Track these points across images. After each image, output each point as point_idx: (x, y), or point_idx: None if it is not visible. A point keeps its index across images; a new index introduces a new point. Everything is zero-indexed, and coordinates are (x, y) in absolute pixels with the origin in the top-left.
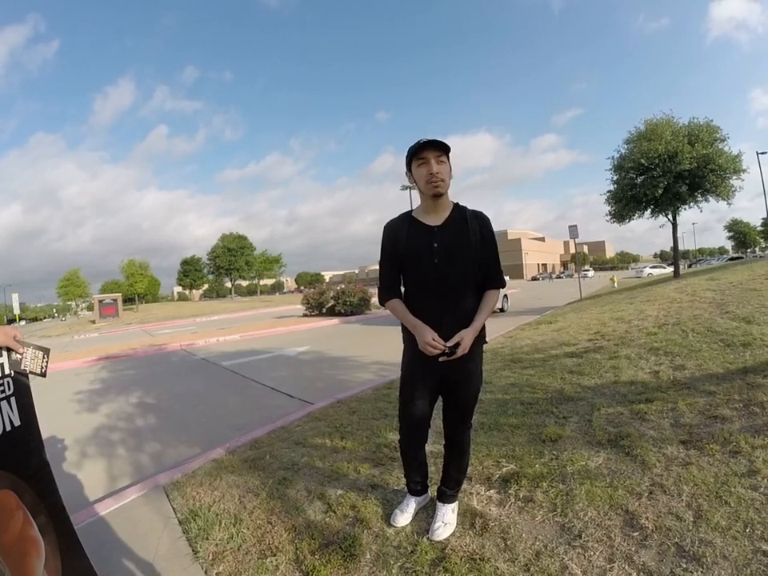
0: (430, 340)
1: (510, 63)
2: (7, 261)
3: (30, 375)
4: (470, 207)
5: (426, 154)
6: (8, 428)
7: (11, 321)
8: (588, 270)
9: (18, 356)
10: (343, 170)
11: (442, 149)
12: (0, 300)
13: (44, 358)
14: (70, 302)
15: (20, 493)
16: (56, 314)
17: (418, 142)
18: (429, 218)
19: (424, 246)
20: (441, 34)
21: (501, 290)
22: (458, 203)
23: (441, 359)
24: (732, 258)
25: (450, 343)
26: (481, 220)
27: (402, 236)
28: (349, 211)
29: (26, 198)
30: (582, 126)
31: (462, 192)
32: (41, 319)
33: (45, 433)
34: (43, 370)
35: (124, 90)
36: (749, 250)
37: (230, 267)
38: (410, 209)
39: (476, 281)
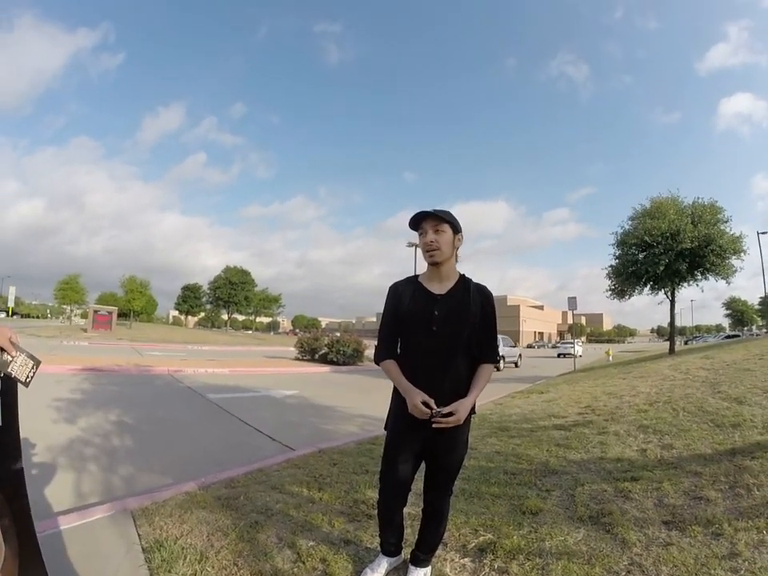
0: (419, 403)
1: (535, 143)
2: (14, 252)
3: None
4: (477, 271)
5: (424, 225)
6: None
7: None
8: (568, 343)
9: (9, 358)
10: (361, 222)
11: (439, 219)
12: None
13: (33, 368)
14: (65, 306)
15: None
16: (49, 315)
17: (416, 213)
18: (433, 286)
19: (425, 312)
20: (475, 110)
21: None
22: (464, 275)
23: (434, 424)
24: (728, 336)
25: (445, 410)
26: (483, 295)
27: (405, 299)
28: (358, 262)
29: (51, 196)
30: (593, 202)
31: (473, 255)
32: (11, 315)
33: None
34: (28, 380)
35: (175, 113)
36: (745, 328)
37: (228, 300)
38: (414, 265)
39: (471, 352)
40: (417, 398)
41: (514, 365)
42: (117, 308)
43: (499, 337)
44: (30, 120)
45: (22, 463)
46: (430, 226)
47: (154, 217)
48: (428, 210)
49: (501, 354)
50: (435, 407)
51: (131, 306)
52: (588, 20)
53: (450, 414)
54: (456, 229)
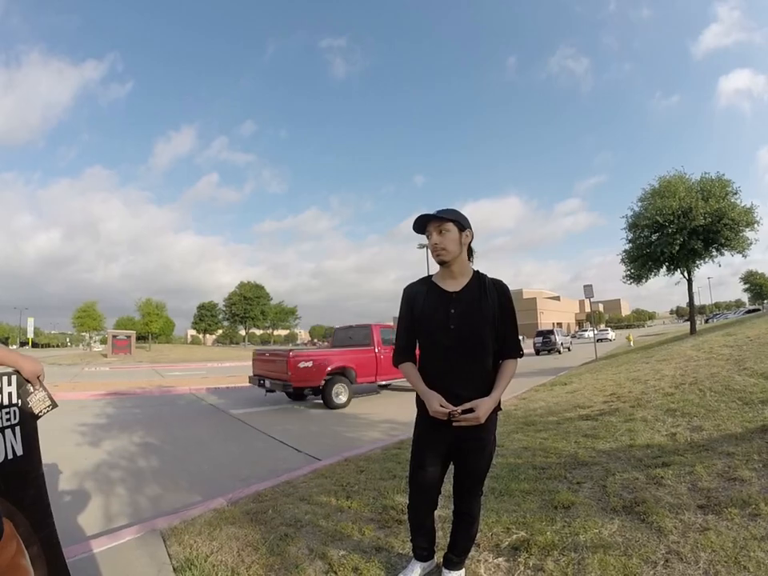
0: (437, 407)
1: (542, 136)
2: (32, 283)
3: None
4: (491, 268)
5: (428, 227)
6: (9, 456)
7: (23, 343)
8: (604, 330)
9: (31, 389)
10: (374, 229)
11: (441, 219)
12: (15, 321)
13: (48, 406)
14: (84, 334)
15: (15, 522)
16: (69, 343)
17: (418, 218)
18: (447, 284)
19: (441, 310)
20: (480, 110)
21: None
22: (478, 271)
23: (454, 424)
24: (749, 311)
25: (464, 407)
26: (500, 289)
27: (420, 299)
28: (373, 268)
29: (67, 226)
30: (603, 190)
31: (486, 253)
32: (30, 346)
33: (44, 461)
34: (40, 414)
35: (186, 137)
36: (765, 302)
37: (245, 315)
38: (426, 266)
39: (492, 349)
40: (435, 402)
41: (567, 349)
42: (135, 331)
43: (556, 329)
44: (43, 153)
45: (46, 490)
46: (433, 228)
47: (169, 239)
48: (429, 212)
49: (560, 341)
50: (453, 407)
51: (149, 328)
52: (583, 17)
53: (470, 411)
54: (462, 226)
